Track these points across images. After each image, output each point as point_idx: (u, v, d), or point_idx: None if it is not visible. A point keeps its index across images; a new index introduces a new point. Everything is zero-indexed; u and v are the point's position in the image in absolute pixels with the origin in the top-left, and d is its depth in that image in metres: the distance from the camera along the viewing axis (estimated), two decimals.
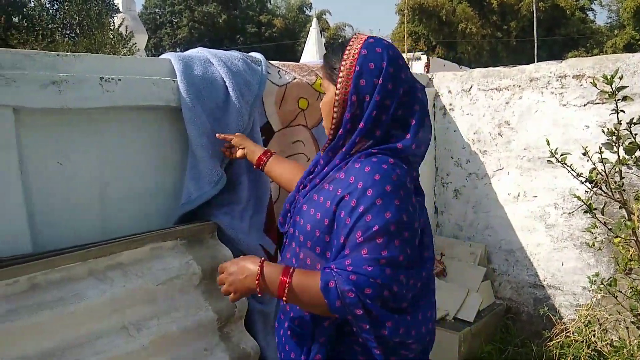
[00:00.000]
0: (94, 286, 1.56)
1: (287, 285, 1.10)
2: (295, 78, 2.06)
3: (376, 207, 1.05)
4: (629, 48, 23.63)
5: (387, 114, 1.14)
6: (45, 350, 1.45)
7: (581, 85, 2.51)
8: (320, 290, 1.05)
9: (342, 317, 1.08)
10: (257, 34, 30.80)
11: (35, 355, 1.44)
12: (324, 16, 32.01)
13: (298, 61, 2.40)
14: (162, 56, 1.86)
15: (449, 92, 3.00)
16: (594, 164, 2.22)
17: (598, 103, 2.45)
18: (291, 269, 1.14)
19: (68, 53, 1.60)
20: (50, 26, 10.18)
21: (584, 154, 2.22)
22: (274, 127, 2.03)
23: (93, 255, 1.56)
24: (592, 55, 2.58)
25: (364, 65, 1.13)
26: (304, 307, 1.16)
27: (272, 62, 2.07)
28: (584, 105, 2.50)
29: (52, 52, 1.58)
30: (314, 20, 11.16)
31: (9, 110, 1.43)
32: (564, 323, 2.56)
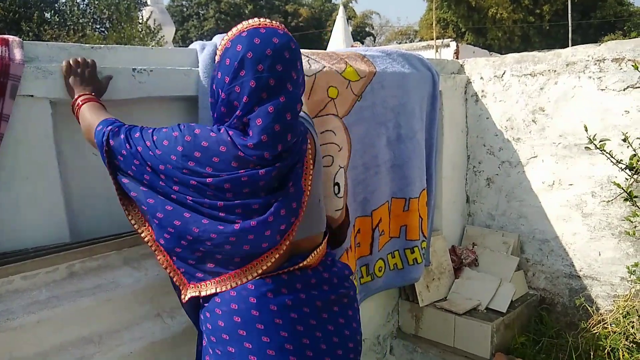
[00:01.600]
0: (129, 274, 1.60)
1: (77, 109, 1.36)
2: (324, 67, 2.03)
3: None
4: None
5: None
6: (84, 336, 1.50)
7: (621, 68, 2.41)
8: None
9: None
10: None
11: (75, 341, 1.49)
12: (350, 4, 31.73)
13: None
14: (191, 46, 1.87)
15: (481, 78, 2.94)
16: (634, 150, 2.14)
17: (639, 87, 2.36)
18: (90, 100, 1.36)
19: (102, 45, 1.62)
20: (81, 21, 10.40)
21: (624, 140, 2.15)
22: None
23: (128, 244, 1.59)
24: (630, 39, 2.48)
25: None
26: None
27: (302, 50, 2.05)
28: (624, 90, 2.41)
29: (87, 45, 1.61)
30: (341, 8, 11.08)
31: (46, 102, 1.47)
32: (600, 314, 2.49)
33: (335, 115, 2.10)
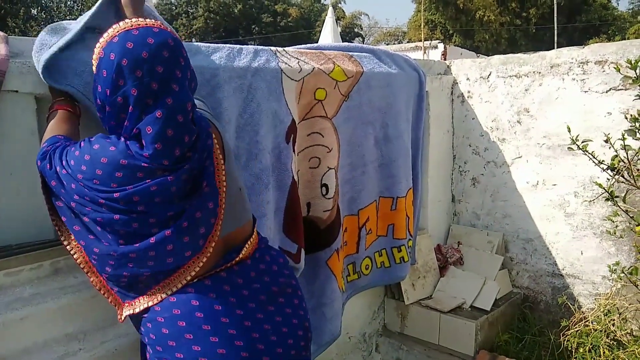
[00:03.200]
0: None
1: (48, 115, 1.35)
2: (313, 68, 2.02)
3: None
4: None
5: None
6: (68, 333, 1.49)
7: (604, 71, 2.46)
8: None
9: None
10: (273, 24, 30.72)
11: (59, 338, 1.48)
12: (340, 5, 31.78)
13: None
14: None
15: (467, 79, 2.97)
16: (616, 151, 2.18)
17: (621, 89, 2.40)
18: (60, 108, 1.34)
19: None
20: (67, 18, 10.29)
21: (606, 141, 2.18)
22: (296, 122, 1.99)
23: None
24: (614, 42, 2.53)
25: None
26: None
27: (289, 50, 2.05)
28: (607, 92, 2.45)
29: None
30: (330, 9, 11.08)
31: (31, 98, 1.46)
32: (582, 312, 2.53)
33: (323, 117, 2.10)
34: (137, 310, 1.22)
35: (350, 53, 2.27)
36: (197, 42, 1.91)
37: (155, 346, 1.21)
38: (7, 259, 1.39)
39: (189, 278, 1.20)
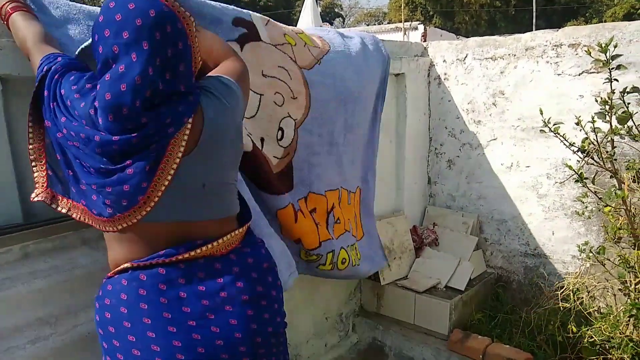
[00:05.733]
0: (87, 254, 1.58)
1: (7, 15, 1.31)
2: (281, 28, 1.97)
3: None
4: (629, 17, 23.28)
5: None
6: (40, 317, 1.48)
7: (577, 54, 2.48)
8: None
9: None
10: (252, 3, 30.20)
11: (30, 322, 1.46)
12: None
13: None
14: None
15: (444, 61, 2.97)
16: (586, 133, 2.22)
17: (593, 72, 2.44)
18: (19, 9, 1.30)
19: None
20: None
21: (577, 124, 2.22)
22: (260, 34, 1.81)
23: (85, 224, 1.57)
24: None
25: None
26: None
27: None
28: (579, 75, 2.49)
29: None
30: None
31: None
32: (552, 291, 2.60)
33: (292, 60, 1.93)
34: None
35: (320, 34, 2.21)
36: None
37: (97, 329, 1.22)
38: None
39: (110, 229, 1.18)
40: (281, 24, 2.00)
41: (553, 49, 2.56)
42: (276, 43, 1.90)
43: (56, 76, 1.19)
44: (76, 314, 1.54)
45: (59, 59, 1.22)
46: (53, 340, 1.48)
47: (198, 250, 1.19)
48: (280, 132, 1.93)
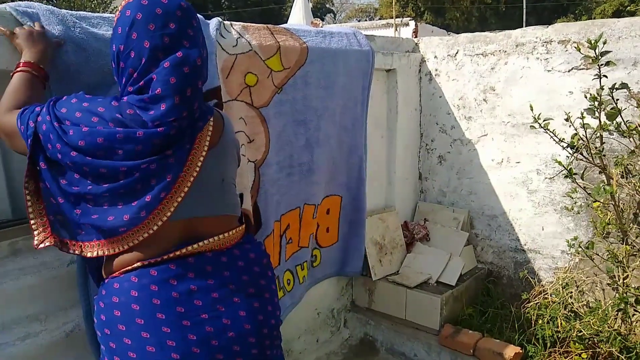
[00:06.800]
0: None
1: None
2: (250, 49, 1.93)
3: None
4: (618, 15, 23.47)
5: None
6: (29, 314, 1.47)
7: (566, 50, 2.50)
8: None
9: None
10: None
11: (20, 319, 1.45)
12: None
13: None
14: None
15: (435, 57, 2.98)
16: (576, 129, 2.24)
17: (582, 69, 2.45)
18: (24, 71, 1.27)
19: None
20: None
21: (567, 120, 2.24)
22: (222, 94, 1.83)
23: None
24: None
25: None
26: None
27: (236, 23, 1.96)
28: (569, 71, 2.50)
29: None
30: None
31: None
32: (542, 285, 2.62)
33: (249, 105, 1.97)
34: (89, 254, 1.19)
35: (304, 39, 2.17)
36: None
37: (100, 329, 1.19)
38: None
39: (126, 247, 1.16)
40: (256, 53, 1.96)
41: (543, 45, 2.58)
42: (235, 95, 1.90)
43: (46, 109, 1.15)
44: (66, 311, 1.53)
45: (37, 108, 1.17)
46: (43, 337, 1.47)
47: (206, 242, 1.22)
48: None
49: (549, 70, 2.56)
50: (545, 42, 2.57)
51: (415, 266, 2.80)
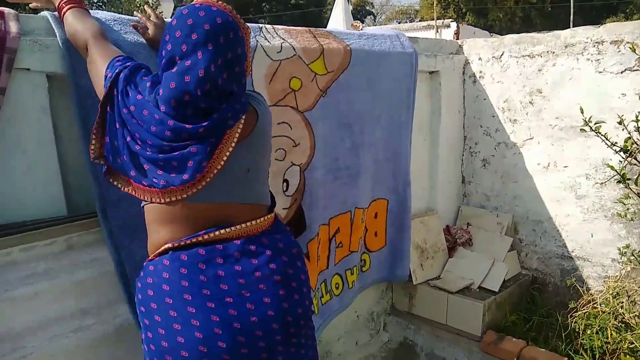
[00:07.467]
0: None
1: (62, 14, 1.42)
2: (294, 54, 1.94)
3: None
4: None
5: None
6: (82, 307, 1.52)
7: (619, 51, 2.41)
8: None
9: None
10: (284, 1, 30.36)
11: (73, 312, 1.51)
12: None
13: None
14: None
15: (479, 59, 2.93)
16: (629, 132, 2.16)
17: (636, 70, 2.36)
18: (73, 7, 1.41)
19: None
20: None
21: (620, 123, 2.16)
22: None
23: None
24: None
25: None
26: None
27: (279, 27, 1.98)
28: (622, 73, 2.41)
29: None
30: None
31: (42, 75, 1.47)
32: (591, 294, 2.53)
33: (294, 109, 1.99)
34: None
35: (347, 42, 2.17)
36: None
37: (138, 307, 1.28)
38: (22, 235, 1.41)
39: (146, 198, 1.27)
40: (299, 58, 1.97)
41: (594, 46, 2.49)
42: (277, 100, 1.93)
43: (128, 71, 1.28)
44: (116, 305, 1.58)
45: (129, 63, 1.31)
46: (94, 330, 1.53)
47: (233, 228, 1.28)
48: (285, 183, 1.99)
49: (600, 72, 2.48)
50: (596, 42, 2.48)
51: (457, 271, 2.76)
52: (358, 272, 2.41)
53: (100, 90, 1.31)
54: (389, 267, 2.60)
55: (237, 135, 1.26)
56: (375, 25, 27.01)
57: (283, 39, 1.94)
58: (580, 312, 2.42)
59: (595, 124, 2.20)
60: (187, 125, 1.19)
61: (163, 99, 1.21)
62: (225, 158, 1.24)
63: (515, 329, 2.60)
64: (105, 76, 1.29)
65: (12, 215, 1.44)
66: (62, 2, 1.43)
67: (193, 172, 1.21)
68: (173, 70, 1.20)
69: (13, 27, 1.38)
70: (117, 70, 1.27)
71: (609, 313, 2.33)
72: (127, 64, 1.30)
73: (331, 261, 2.23)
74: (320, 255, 2.16)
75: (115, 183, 1.34)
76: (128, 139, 1.24)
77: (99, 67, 1.32)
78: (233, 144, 1.25)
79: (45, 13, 1.49)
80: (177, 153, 1.20)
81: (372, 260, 2.50)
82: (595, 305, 2.41)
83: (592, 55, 2.50)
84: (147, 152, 1.22)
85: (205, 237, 1.25)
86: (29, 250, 1.44)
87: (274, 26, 1.97)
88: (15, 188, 1.45)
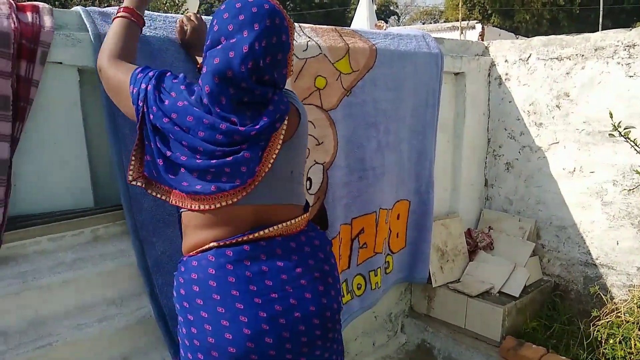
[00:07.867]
0: None
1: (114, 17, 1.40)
2: (320, 53, 1.94)
3: None
4: None
5: None
6: (107, 298, 1.55)
7: None
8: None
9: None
10: (308, 0, 30.41)
11: (98, 302, 1.54)
12: None
13: None
14: None
15: (506, 61, 2.89)
16: None
17: None
18: (124, 17, 1.38)
19: None
20: None
21: None
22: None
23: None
24: None
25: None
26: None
27: (305, 26, 1.98)
28: None
29: None
30: None
31: (74, 69, 1.50)
32: (615, 303, 2.48)
33: (318, 107, 1.99)
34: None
35: (373, 41, 2.16)
36: None
37: (179, 303, 1.29)
38: (51, 225, 1.44)
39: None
40: (324, 57, 1.97)
41: (625, 50, 2.44)
42: (302, 98, 1.91)
43: (154, 80, 1.27)
44: (140, 297, 1.61)
45: (150, 72, 1.29)
46: (118, 320, 1.56)
47: (275, 227, 1.29)
48: (308, 182, 1.99)
49: (630, 76, 2.43)
50: (627, 46, 2.43)
51: (478, 275, 2.73)
52: (382, 274, 2.40)
53: (125, 103, 1.29)
54: (409, 268, 2.59)
55: (282, 137, 1.27)
56: (399, 26, 26.86)
57: (309, 37, 1.95)
58: (603, 321, 2.38)
59: (624, 129, 2.16)
60: (240, 128, 1.19)
61: (206, 76, 1.20)
62: (272, 161, 1.25)
63: (535, 335, 2.57)
64: (131, 92, 1.26)
65: (41, 205, 1.48)
66: (123, 8, 1.41)
67: (246, 178, 1.22)
68: (218, 47, 1.21)
69: (47, 21, 1.41)
70: (142, 85, 1.25)
71: (633, 323, 2.28)
72: (149, 73, 1.27)
73: (353, 261, 2.23)
74: (341, 255, 2.16)
75: (154, 194, 1.32)
76: (168, 153, 1.23)
77: (122, 84, 1.30)
78: (279, 147, 1.26)
79: (77, 8, 1.52)
80: (230, 159, 1.20)
81: (394, 262, 2.50)
82: (618, 314, 2.37)
83: (622, 59, 2.45)
84: (197, 161, 1.21)
85: (250, 236, 1.27)
86: (57, 240, 1.47)
87: (301, 24, 1.98)
88: (46, 179, 1.48)
